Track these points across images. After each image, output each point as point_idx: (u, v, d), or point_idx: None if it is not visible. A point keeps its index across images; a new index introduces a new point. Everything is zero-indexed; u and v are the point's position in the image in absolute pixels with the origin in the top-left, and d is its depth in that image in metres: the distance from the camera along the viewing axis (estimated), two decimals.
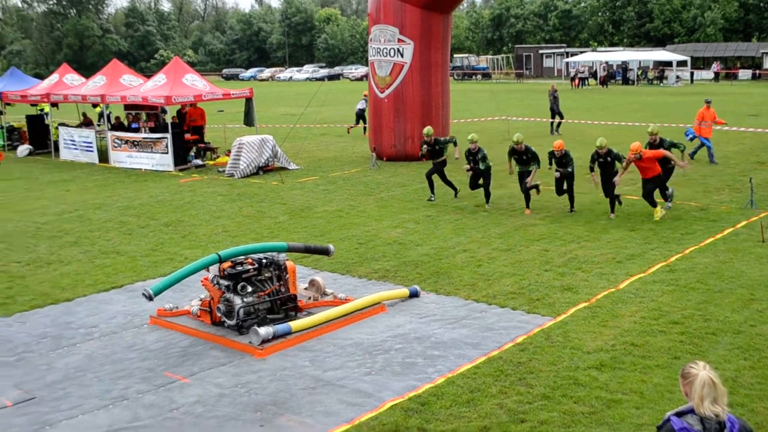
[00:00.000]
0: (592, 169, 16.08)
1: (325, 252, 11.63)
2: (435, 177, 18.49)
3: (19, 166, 27.46)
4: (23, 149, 30.35)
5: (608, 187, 16.05)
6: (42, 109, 32.24)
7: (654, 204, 15.68)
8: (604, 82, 66.23)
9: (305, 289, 11.26)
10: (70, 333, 10.54)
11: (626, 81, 70.26)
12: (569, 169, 16.29)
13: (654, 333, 9.66)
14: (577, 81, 65.03)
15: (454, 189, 18.68)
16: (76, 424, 7.89)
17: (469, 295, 11.42)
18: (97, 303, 11.78)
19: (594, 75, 69.05)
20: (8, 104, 31.77)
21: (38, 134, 30.95)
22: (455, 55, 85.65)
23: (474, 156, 17.27)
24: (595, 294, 11.22)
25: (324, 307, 10.75)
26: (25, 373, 9.22)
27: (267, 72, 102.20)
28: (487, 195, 17.63)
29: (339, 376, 8.78)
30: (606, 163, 15.94)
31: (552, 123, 31.04)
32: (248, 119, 26.82)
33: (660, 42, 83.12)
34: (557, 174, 16.46)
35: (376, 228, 15.74)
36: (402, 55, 23.72)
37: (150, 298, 9.84)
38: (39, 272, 13.55)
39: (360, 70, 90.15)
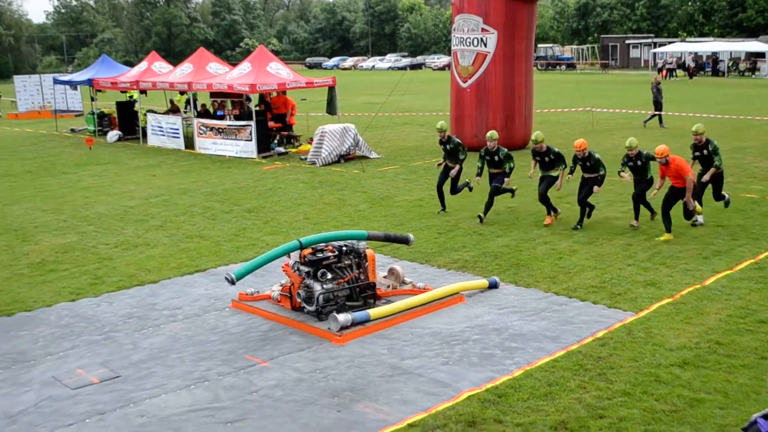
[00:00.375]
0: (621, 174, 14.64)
1: (404, 241, 11.65)
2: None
3: (108, 151, 28.25)
4: (113, 135, 31.19)
5: (635, 192, 14.49)
6: (131, 96, 33.07)
7: (668, 225, 13.67)
8: (692, 73, 64.53)
9: (384, 277, 11.30)
10: (154, 314, 10.82)
11: (716, 72, 68.31)
12: (601, 173, 14.48)
13: (740, 332, 9.39)
14: (664, 72, 63.52)
15: (443, 207, 16.32)
16: (159, 403, 8.09)
17: (549, 288, 11.29)
18: (180, 286, 12.05)
19: (682, 66, 67.33)
20: (99, 91, 32.69)
21: (127, 120, 31.79)
22: (539, 45, 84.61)
23: (492, 156, 15.32)
24: (680, 290, 10.96)
25: (403, 295, 10.77)
26: (112, 352, 9.50)
27: (350, 61, 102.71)
28: (489, 206, 15.42)
29: (416, 365, 8.79)
30: (637, 167, 14.24)
31: (659, 116, 30.08)
32: (331, 108, 27.01)
33: (753, 32, 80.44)
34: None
35: (456, 218, 15.69)
36: (485, 45, 23.54)
37: (232, 283, 10.02)
38: (126, 254, 13.93)
39: (442, 60, 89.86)
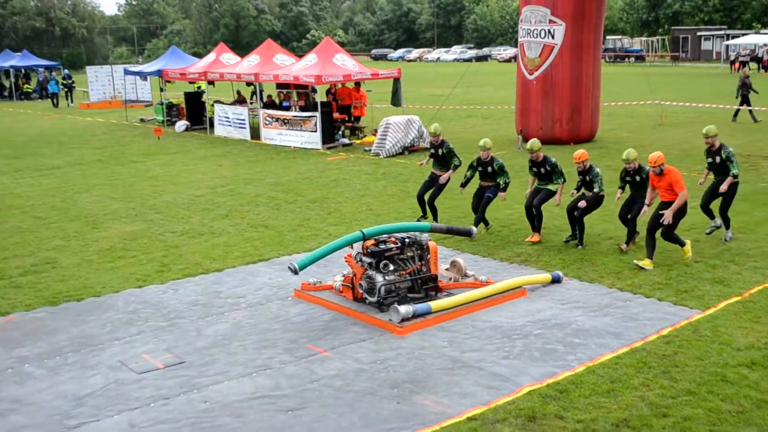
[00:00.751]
0: (622, 189, 12.98)
1: (467, 234, 11.60)
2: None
3: (176, 140, 28.72)
4: (181, 125, 31.70)
5: (629, 211, 12.72)
6: (199, 87, 33.55)
7: (651, 251, 11.86)
8: (766, 65, 62.75)
9: (446, 269, 11.28)
10: (219, 302, 10.98)
11: None
12: (595, 190, 12.76)
13: None
14: (737, 65, 61.91)
15: (424, 214, 15.06)
16: (222, 389, 8.22)
17: (614, 284, 11.13)
18: (245, 274, 12.20)
19: (755, 58, 65.53)
20: (168, 81, 33.25)
21: (195, 111, 32.26)
22: (607, 37, 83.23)
23: (485, 167, 14.04)
24: (749, 288, 10.70)
25: (464, 288, 10.73)
26: (176, 338, 9.67)
27: (415, 52, 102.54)
28: (480, 218, 14.07)
29: (477, 358, 8.76)
30: (635, 182, 12.62)
31: (751, 111, 29.09)
32: (395, 99, 27.03)
33: None
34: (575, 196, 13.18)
35: (519, 211, 15.55)
36: (552, 37, 23.27)
37: (295, 272, 10.10)
38: (192, 242, 14.16)
39: (508, 52, 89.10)
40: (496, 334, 9.47)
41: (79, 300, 11.21)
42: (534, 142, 13.52)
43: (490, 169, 13.95)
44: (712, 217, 13.14)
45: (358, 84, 27.60)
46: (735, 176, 12.65)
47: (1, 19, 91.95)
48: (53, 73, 49.91)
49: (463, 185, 14.38)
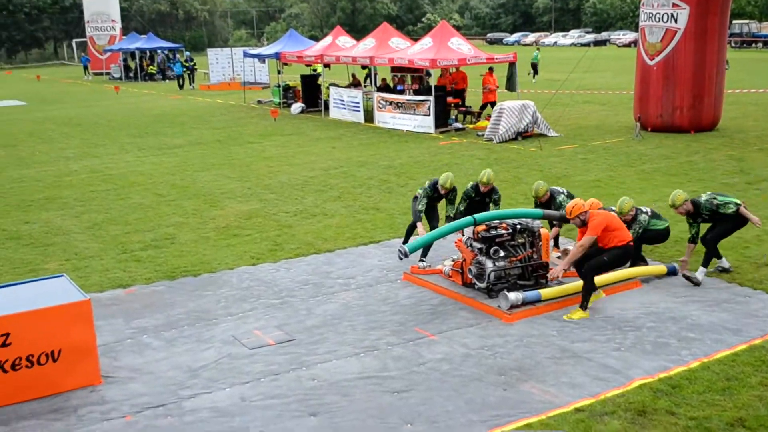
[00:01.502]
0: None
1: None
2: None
3: (292, 122, 29.22)
4: (296, 107, 32.22)
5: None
6: (315, 70, 34.00)
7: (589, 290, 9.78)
8: None
9: (558, 257, 11.11)
10: (329, 282, 11.14)
11: None
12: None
13: None
14: None
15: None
16: (330, 368, 8.35)
17: (733, 278, 10.73)
18: (355, 256, 12.34)
19: None
20: (286, 64, 33.82)
21: (311, 93, 32.70)
22: (734, 22, 79.94)
23: (483, 197, 12.03)
24: None
25: (576, 277, 10.54)
26: (287, 316, 9.87)
27: (531, 37, 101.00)
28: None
29: (586, 348, 8.61)
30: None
31: None
32: (510, 84, 26.77)
33: None
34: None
35: (635, 201, 15.15)
36: (675, 21, 22.50)
37: (405, 256, 10.14)
38: (305, 223, 14.40)
39: (628, 36, 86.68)
40: (608, 325, 9.28)
41: (195, 275, 11.58)
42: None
43: (488, 199, 12.02)
44: (719, 256, 11.11)
45: (491, 69, 27.33)
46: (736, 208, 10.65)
47: (128, 3, 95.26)
48: (177, 56, 51.40)
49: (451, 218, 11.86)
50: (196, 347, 9.05)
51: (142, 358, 8.75)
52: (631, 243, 9.88)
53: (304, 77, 33.66)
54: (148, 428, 7.28)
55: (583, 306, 9.61)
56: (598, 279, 10.06)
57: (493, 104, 26.37)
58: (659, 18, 22.84)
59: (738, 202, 10.66)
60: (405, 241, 11.84)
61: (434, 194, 11.86)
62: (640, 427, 6.92)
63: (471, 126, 25.95)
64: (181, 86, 46.51)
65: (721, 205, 10.60)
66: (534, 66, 44.36)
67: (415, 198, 12.04)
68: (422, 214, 11.74)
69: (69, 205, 16.55)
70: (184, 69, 46.99)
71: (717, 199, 10.66)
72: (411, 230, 11.99)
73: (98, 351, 8.25)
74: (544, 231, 10.46)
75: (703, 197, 10.78)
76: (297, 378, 8.15)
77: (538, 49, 55.29)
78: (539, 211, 10.93)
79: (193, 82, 47.00)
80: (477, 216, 10.34)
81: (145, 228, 14.37)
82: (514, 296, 9.55)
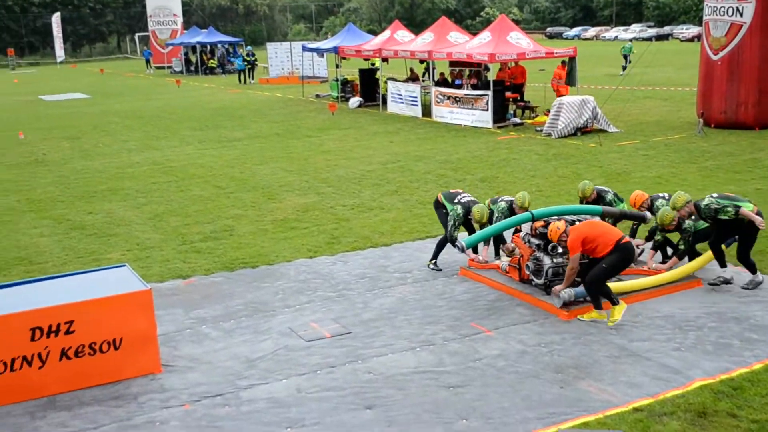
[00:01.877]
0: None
1: (641, 219, 11.19)
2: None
3: (350, 116, 29.32)
4: (354, 101, 32.31)
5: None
6: (373, 64, 34.04)
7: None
8: None
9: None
10: (386, 276, 11.16)
11: None
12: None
13: None
14: None
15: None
16: (386, 362, 8.37)
17: None
18: (412, 250, 12.34)
19: None
20: (344, 58, 33.92)
21: (368, 87, 32.75)
22: None
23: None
24: None
25: (635, 275, 10.40)
26: (344, 309, 9.92)
27: (591, 31, 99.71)
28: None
29: (646, 348, 8.49)
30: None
31: None
32: (570, 78, 26.44)
33: None
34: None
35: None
36: (741, 15, 22.00)
37: (462, 250, 10.11)
38: (362, 216, 14.45)
39: (691, 31, 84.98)
40: (667, 324, 9.14)
41: (253, 267, 11.71)
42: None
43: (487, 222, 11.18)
44: (723, 264, 10.46)
45: (564, 62, 27.04)
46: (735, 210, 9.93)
47: None
48: (238, 50, 51.78)
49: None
50: (253, 338, 9.15)
51: (201, 348, 8.89)
52: (624, 240, 9.28)
53: (362, 71, 33.73)
54: (205, 417, 7.39)
55: (597, 306, 9.33)
56: (656, 279, 9.93)
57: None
58: (724, 12, 22.36)
59: (740, 204, 9.90)
60: (433, 259, 11.47)
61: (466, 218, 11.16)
62: (700, 429, 6.80)
63: (529, 121, 25.74)
64: (241, 81, 46.58)
65: (720, 210, 9.85)
66: (625, 57, 43.69)
67: (440, 207, 11.48)
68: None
69: (131, 196, 16.86)
70: (246, 63, 47.29)
71: (717, 203, 9.96)
72: (442, 246, 11.35)
73: (158, 340, 8.40)
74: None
75: (705, 201, 10.10)
76: (353, 371, 8.19)
77: (630, 41, 54.74)
78: (598, 207, 10.80)
79: (253, 76, 47.27)
80: (535, 212, 10.26)
81: (205, 220, 14.57)
82: (566, 294, 9.45)
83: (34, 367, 7.81)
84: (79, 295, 8.16)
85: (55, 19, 77.11)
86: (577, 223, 9.93)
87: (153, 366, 8.32)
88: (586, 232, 9.35)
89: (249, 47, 51.41)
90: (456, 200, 11.27)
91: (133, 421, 7.37)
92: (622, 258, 9.26)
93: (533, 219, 10.17)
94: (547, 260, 9.94)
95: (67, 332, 7.87)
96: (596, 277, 9.24)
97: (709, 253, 10.39)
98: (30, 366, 7.78)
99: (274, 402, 7.61)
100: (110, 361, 8.07)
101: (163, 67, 60.92)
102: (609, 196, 11.37)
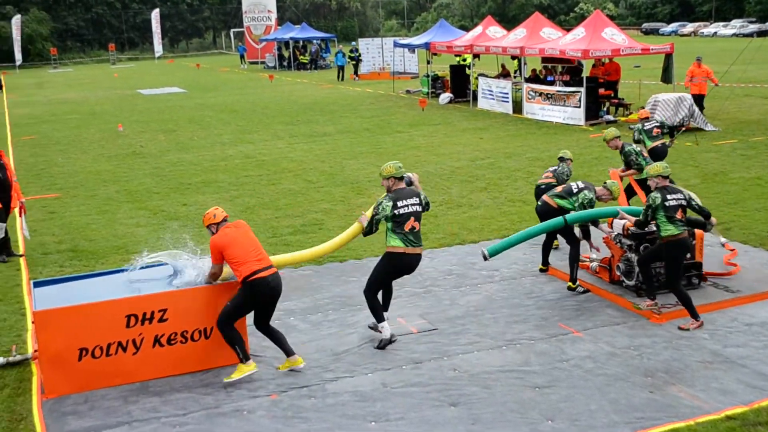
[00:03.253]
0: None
1: (703, 226, 10.39)
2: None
3: (440, 112, 29.27)
4: (444, 97, 32.24)
5: None
6: (464, 60, 33.89)
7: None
8: None
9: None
10: (473, 273, 11.11)
11: None
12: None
13: None
14: None
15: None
16: (471, 359, 8.34)
17: None
18: None
19: None
20: (435, 54, 33.86)
21: (459, 83, 32.64)
22: None
23: None
24: None
25: (731, 276, 10.10)
26: (430, 306, 9.92)
27: (689, 27, 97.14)
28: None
29: (741, 354, 8.24)
30: None
31: None
32: (666, 76, 25.78)
33: None
34: None
35: None
36: None
37: (485, 259, 9.68)
38: (450, 213, 14.41)
39: None
40: (764, 330, 8.84)
41: (341, 261, 11.81)
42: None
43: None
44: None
45: (699, 59, 26.30)
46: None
47: None
48: (340, 47, 51.93)
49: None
50: (340, 331, 9.23)
51: (289, 340, 8.98)
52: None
53: (453, 67, 33.62)
54: (291, 407, 7.50)
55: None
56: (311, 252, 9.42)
57: (702, 97, 24.28)
58: None
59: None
60: (573, 281, 10.43)
61: None
62: None
63: (623, 118, 25.24)
64: (340, 78, 45.51)
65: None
66: None
67: (554, 212, 10.42)
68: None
69: (224, 188, 17.22)
70: (350, 60, 46.51)
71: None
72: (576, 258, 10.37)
73: (247, 330, 8.55)
74: (698, 230, 10.05)
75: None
76: (438, 367, 8.19)
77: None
78: (629, 208, 10.40)
79: (357, 73, 46.31)
80: (567, 216, 9.96)
81: (295, 213, 14.77)
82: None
83: (128, 353, 8.06)
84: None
85: (155, 15, 79.26)
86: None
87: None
88: None
89: (353, 43, 50.16)
90: (574, 191, 10.36)
91: (221, 409, 7.53)
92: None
93: (566, 223, 9.87)
94: None
95: (161, 320, 8.09)
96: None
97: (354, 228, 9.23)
98: (125, 352, 8.04)
99: (359, 395, 7.67)
100: (201, 349, 8.26)
101: (256, 63, 61.99)
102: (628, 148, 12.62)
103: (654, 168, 9.28)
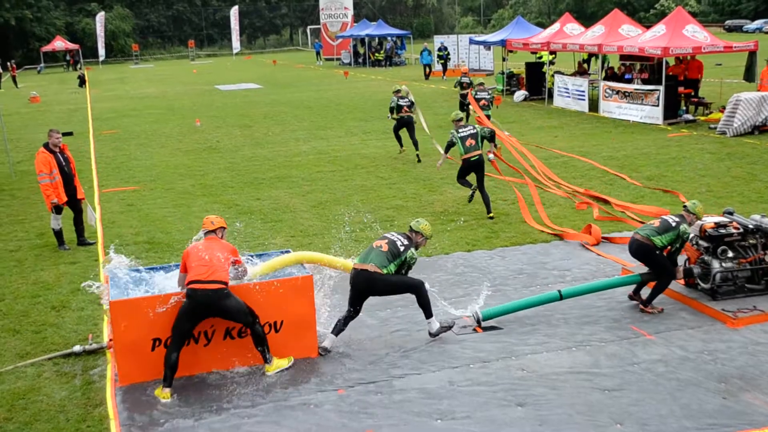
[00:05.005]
0: None
1: None
2: None
3: (514, 110, 29.04)
4: (519, 95, 31.98)
5: None
6: (540, 57, 33.55)
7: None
8: None
9: None
10: (543, 273, 11.00)
11: None
12: None
13: None
14: None
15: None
16: (539, 360, 8.26)
17: None
18: (572, 248, 12.12)
19: None
20: (511, 51, 33.61)
21: (534, 81, 32.33)
22: None
23: None
24: None
25: None
26: (499, 304, 9.84)
27: None
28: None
29: None
30: None
31: None
32: (749, 74, 25.09)
33: None
34: None
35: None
36: None
37: (478, 323, 9.43)
38: (521, 212, 14.27)
39: None
40: None
41: None
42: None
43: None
44: None
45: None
46: None
47: None
48: (426, 44, 51.55)
49: None
50: (408, 328, 9.25)
51: (358, 335, 9.06)
52: None
53: (528, 64, 33.31)
54: (358, 403, 7.54)
55: None
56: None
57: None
58: None
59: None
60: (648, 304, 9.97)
61: None
62: None
63: (703, 118, 24.64)
64: (426, 76, 44.53)
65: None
66: None
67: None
68: None
69: (297, 184, 17.40)
70: (439, 59, 45.18)
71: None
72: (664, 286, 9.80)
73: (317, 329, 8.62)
74: None
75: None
76: (506, 367, 8.14)
77: None
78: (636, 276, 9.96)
79: (444, 71, 44.81)
80: (563, 291, 9.61)
81: (366, 209, 14.83)
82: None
83: (200, 344, 8.22)
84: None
85: (234, 12, 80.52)
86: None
87: (310, 350, 8.57)
88: None
89: (441, 41, 48.23)
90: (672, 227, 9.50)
91: (288, 402, 7.62)
92: None
93: (561, 298, 9.56)
94: (716, 264, 9.50)
95: None
96: None
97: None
98: (197, 343, 8.20)
99: (426, 393, 7.67)
100: (271, 342, 8.36)
101: (332, 59, 62.46)
102: None
103: None
